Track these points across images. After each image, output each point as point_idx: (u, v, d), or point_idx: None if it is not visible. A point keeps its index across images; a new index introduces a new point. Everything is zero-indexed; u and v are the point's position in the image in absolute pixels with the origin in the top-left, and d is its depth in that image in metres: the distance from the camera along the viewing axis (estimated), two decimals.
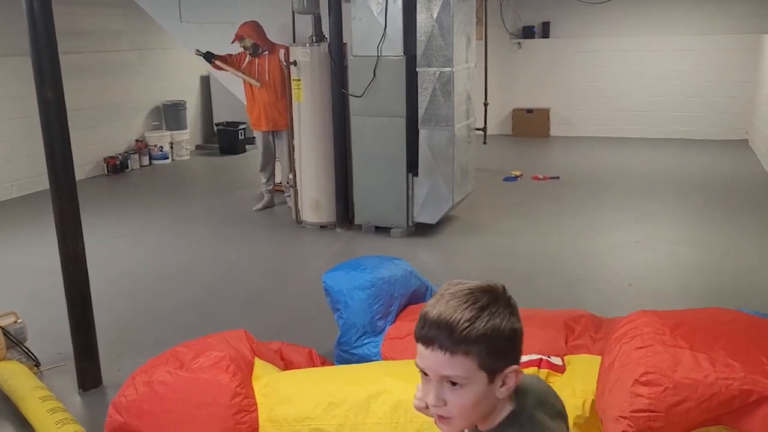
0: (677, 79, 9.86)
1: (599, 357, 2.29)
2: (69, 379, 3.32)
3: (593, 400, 2.09)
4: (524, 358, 2.27)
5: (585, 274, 4.74)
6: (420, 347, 1.14)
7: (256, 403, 2.37)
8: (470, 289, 1.14)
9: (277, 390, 2.40)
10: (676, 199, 6.66)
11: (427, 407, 1.16)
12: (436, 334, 1.11)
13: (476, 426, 1.19)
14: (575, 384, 2.19)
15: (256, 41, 6.19)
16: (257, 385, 2.44)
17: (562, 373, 2.28)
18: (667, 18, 9.78)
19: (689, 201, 6.60)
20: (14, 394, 3.03)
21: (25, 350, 3.44)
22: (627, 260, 5.02)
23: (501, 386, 1.15)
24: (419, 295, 3.29)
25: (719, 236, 5.48)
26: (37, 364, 3.45)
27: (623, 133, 10.15)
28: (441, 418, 1.16)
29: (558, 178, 7.66)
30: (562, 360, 2.35)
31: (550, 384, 2.10)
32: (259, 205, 6.71)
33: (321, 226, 6.04)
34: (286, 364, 2.82)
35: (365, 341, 3.05)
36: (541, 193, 7.11)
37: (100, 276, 3.97)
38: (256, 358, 2.59)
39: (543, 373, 2.24)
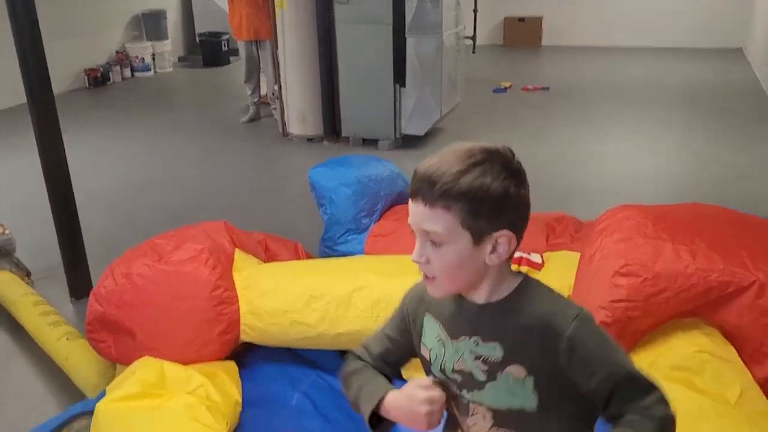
0: None
1: (577, 253, 2.31)
2: (60, 288, 3.36)
3: (569, 295, 2.11)
4: None
5: (572, 183, 4.76)
6: (410, 202, 1.10)
7: (236, 296, 2.37)
8: (467, 149, 1.07)
9: (257, 283, 2.41)
10: (667, 110, 6.62)
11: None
12: (420, 186, 1.06)
13: (481, 298, 1.13)
14: (551, 280, 2.18)
15: None
16: (238, 278, 2.44)
17: (540, 270, 2.31)
18: None
19: (680, 111, 6.56)
20: (6, 300, 3.07)
21: (15, 260, 3.47)
22: (614, 170, 5.04)
23: (491, 252, 1.07)
24: (405, 197, 3.29)
25: (708, 146, 5.48)
26: (28, 274, 3.48)
27: (616, 42, 9.96)
28: (427, 278, 1.11)
29: (548, 89, 7.56)
30: (542, 257, 2.37)
31: None
32: (245, 118, 6.62)
33: (308, 139, 5.98)
34: (270, 256, 2.81)
35: (349, 238, 3.06)
36: (531, 104, 7.04)
37: (85, 188, 3.95)
38: (236, 249, 2.57)
39: (522, 270, 2.27)
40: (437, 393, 1.13)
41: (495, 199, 1.04)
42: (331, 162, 3.35)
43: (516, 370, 1.09)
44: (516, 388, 1.09)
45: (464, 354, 1.13)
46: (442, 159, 1.06)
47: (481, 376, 1.12)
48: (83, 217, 3.38)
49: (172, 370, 2.14)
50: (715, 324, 1.94)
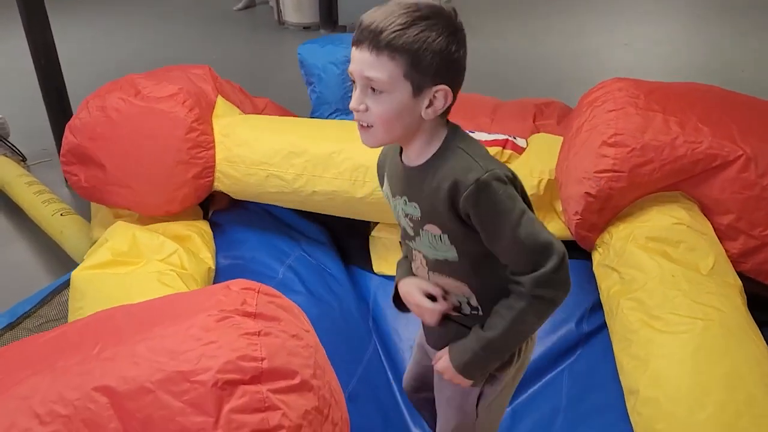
0: None
1: (559, 137, 2.29)
2: (56, 173, 3.40)
3: (549, 180, 2.13)
4: (489, 137, 2.31)
5: (570, 74, 4.70)
6: (352, 49, 1.13)
7: (213, 141, 2.34)
8: (412, 4, 1.09)
9: (237, 132, 2.38)
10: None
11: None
12: (367, 34, 1.09)
13: (407, 161, 1.21)
14: (533, 163, 2.19)
15: None
16: (217, 125, 2.40)
17: (521, 153, 2.31)
18: None
19: (691, 1, 6.35)
20: (3, 182, 3.14)
21: (9, 145, 3.50)
22: (615, 61, 4.96)
23: (427, 106, 1.12)
24: None
25: (711, 35, 5.37)
26: (24, 159, 3.52)
27: None
28: (362, 128, 1.16)
29: None
30: (527, 143, 2.38)
31: (510, 164, 2.18)
32: (240, 5, 6.45)
33: (304, 27, 5.86)
34: (256, 109, 2.78)
35: (337, 118, 3.01)
36: None
37: (76, 73, 3.92)
38: (219, 97, 2.53)
39: (506, 153, 2.26)
40: (439, 306, 1.26)
41: (438, 53, 1.08)
42: (323, 39, 3.29)
43: (432, 228, 1.19)
44: (436, 243, 1.20)
45: (398, 210, 1.26)
46: (387, 10, 1.08)
47: (410, 231, 1.25)
48: (75, 102, 3.38)
49: (144, 237, 2.15)
50: (694, 198, 1.95)
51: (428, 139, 1.17)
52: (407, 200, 1.22)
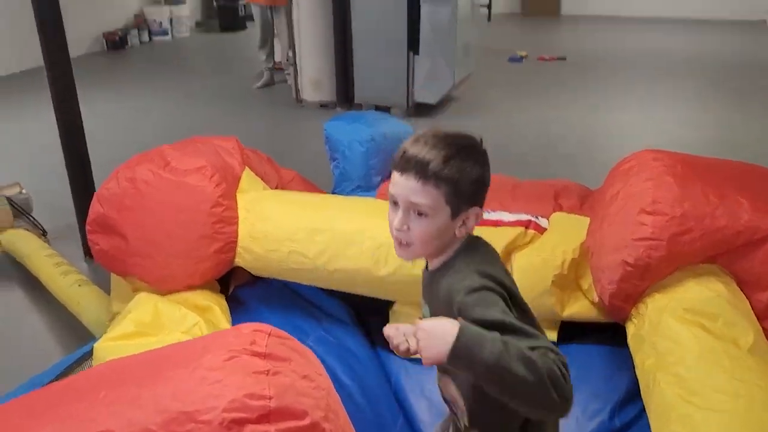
0: None
1: (584, 218, 2.27)
2: (75, 247, 3.46)
3: (573, 259, 2.10)
4: (512, 217, 2.30)
5: (585, 153, 4.76)
6: (395, 175, 1.26)
7: (237, 216, 2.35)
8: (447, 134, 1.26)
9: (261, 207, 2.38)
10: (686, 81, 6.55)
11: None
12: (413, 164, 1.22)
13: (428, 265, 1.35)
14: (555, 243, 2.16)
15: None
16: (242, 200, 2.41)
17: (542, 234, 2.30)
18: None
19: (700, 82, 6.48)
20: (21, 254, 3.18)
21: (32, 219, 3.57)
22: (630, 141, 5.01)
23: (461, 225, 1.27)
24: None
25: (728, 118, 5.43)
26: (44, 233, 3.58)
27: (636, 11, 9.80)
28: (401, 245, 1.29)
29: (565, 59, 7.49)
30: (549, 222, 2.35)
31: (532, 244, 2.17)
32: (259, 83, 6.65)
33: (321, 105, 6.01)
34: (282, 180, 2.79)
35: (358, 194, 3.02)
36: (547, 74, 6.99)
37: (101, 150, 4.03)
38: (246, 169, 2.54)
39: (529, 234, 2.24)
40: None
41: (475, 181, 1.25)
42: (348, 116, 3.36)
43: None
44: None
45: (424, 312, 1.39)
46: (430, 142, 1.24)
47: None
48: (98, 178, 3.46)
49: (166, 308, 2.14)
50: (731, 273, 1.89)
51: (452, 246, 1.31)
52: (425, 303, 1.37)
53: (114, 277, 2.65)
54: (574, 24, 9.67)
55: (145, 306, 2.16)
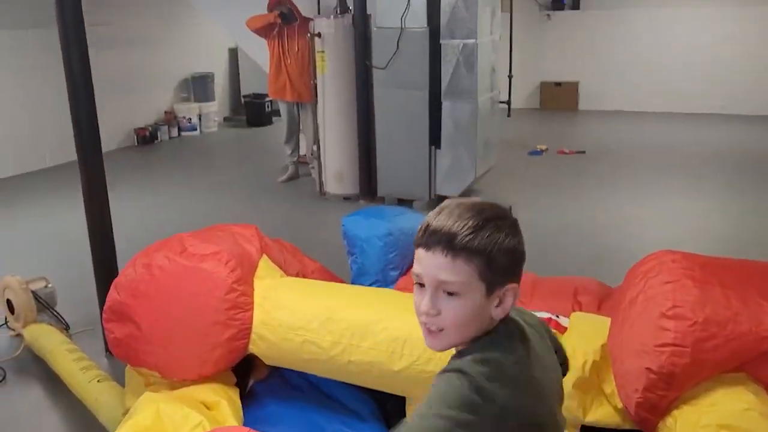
0: (711, 52, 9.62)
1: (604, 318, 2.23)
2: (97, 343, 3.44)
3: (594, 361, 2.05)
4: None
5: (606, 247, 4.72)
6: (420, 252, 1.12)
7: (252, 303, 2.32)
8: (474, 203, 1.13)
9: (277, 294, 2.36)
10: (705, 176, 6.56)
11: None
12: (439, 238, 1.09)
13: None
14: (576, 344, 2.11)
15: (292, 8, 6.19)
16: (258, 286, 2.39)
17: (563, 333, 2.25)
18: None
19: (719, 177, 6.49)
20: (43, 349, 3.17)
21: (55, 314, 3.58)
22: (651, 234, 4.98)
23: (497, 306, 1.12)
24: None
25: (747, 214, 5.39)
26: (67, 328, 3.58)
27: (654, 107, 9.97)
28: (431, 332, 1.13)
29: (584, 152, 7.58)
30: (569, 321, 2.32)
31: None
32: (284, 177, 6.79)
33: (344, 198, 6.09)
34: (305, 270, 2.78)
35: None
36: (567, 167, 7.06)
37: (128, 243, 4.08)
38: (264, 256, 2.53)
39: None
40: None
41: (509, 252, 1.11)
42: (365, 211, 3.39)
43: None
44: None
45: None
46: (454, 213, 1.10)
47: None
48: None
49: (168, 410, 2.10)
50: (760, 381, 1.82)
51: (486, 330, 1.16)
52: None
53: (128, 371, 2.63)
54: (591, 118, 9.84)
55: (146, 409, 2.12)
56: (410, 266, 3.12)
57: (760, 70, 9.44)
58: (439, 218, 1.11)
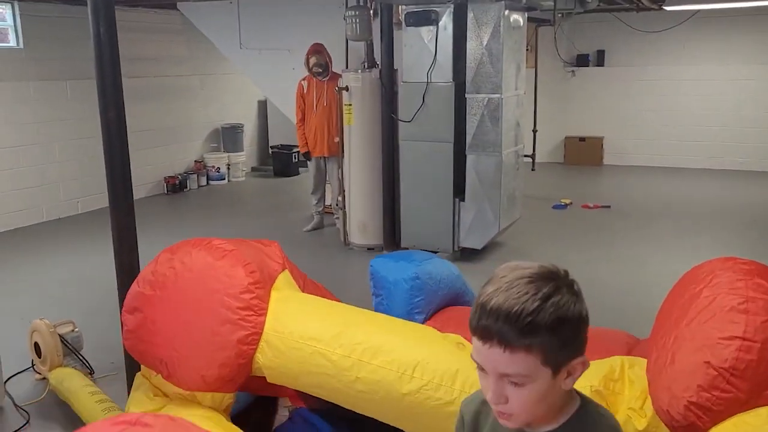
0: (735, 108, 9.63)
1: (641, 359, 2.15)
2: (121, 387, 3.46)
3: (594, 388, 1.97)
4: None
5: (630, 305, 4.66)
6: (476, 341, 1.05)
7: (266, 309, 2.30)
8: (531, 276, 1.04)
9: (291, 304, 2.34)
10: (730, 233, 6.48)
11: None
12: (495, 327, 1.01)
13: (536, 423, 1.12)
14: (630, 391, 2.00)
15: (327, 61, 6.34)
16: (275, 294, 2.37)
17: None
18: (725, 47, 9.60)
19: (744, 236, 6.41)
20: (66, 392, 3.20)
21: (81, 358, 3.62)
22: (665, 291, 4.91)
23: (566, 377, 1.07)
24: (461, 299, 3.30)
25: None
26: (92, 372, 3.61)
27: (679, 163, 9.95)
28: (502, 414, 1.08)
29: (609, 207, 7.56)
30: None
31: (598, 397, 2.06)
32: (309, 227, 6.85)
33: (368, 248, 6.12)
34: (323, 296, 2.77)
35: None
36: (591, 221, 7.03)
37: None
38: (286, 271, 2.53)
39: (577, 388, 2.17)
40: None
41: (573, 326, 1.04)
42: (395, 254, 3.41)
43: None
44: None
45: None
46: (508, 293, 1.02)
47: None
48: None
49: None
50: None
51: (562, 401, 1.12)
52: None
53: (138, 377, 2.61)
54: (616, 173, 9.84)
55: None
56: (435, 311, 3.13)
57: None
58: (494, 298, 1.02)
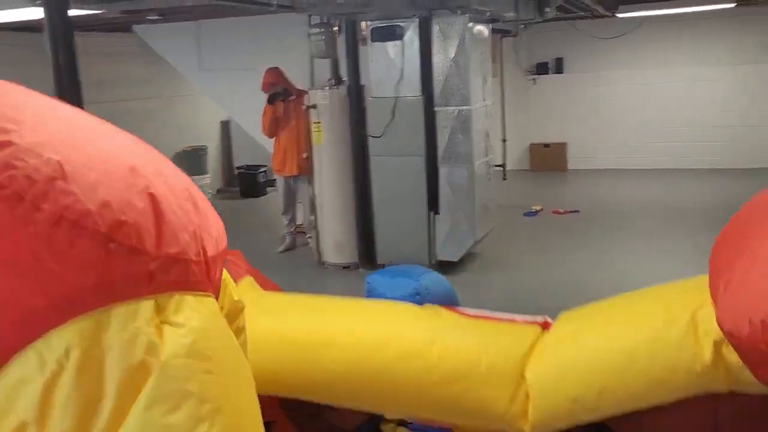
0: (694, 108, 9.88)
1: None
2: None
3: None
4: (527, 317, 2.29)
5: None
6: None
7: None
8: None
9: (255, 306, 2.27)
10: (699, 228, 6.60)
11: None
12: None
13: None
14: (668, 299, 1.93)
15: (285, 86, 6.30)
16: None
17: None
18: (681, 50, 9.86)
19: (714, 232, 6.52)
20: None
21: None
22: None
23: None
24: None
25: None
26: None
27: (642, 164, 10.13)
28: None
29: (578, 212, 7.64)
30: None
31: None
32: (282, 247, 6.75)
33: (344, 267, 6.05)
34: None
35: None
36: (562, 227, 7.09)
37: None
38: (249, 276, 2.47)
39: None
40: None
41: None
42: (390, 270, 3.34)
43: None
44: None
45: None
46: None
47: None
48: None
49: None
50: None
51: None
52: None
53: None
54: (581, 178, 9.97)
55: None
56: None
57: (744, 125, 9.66)
58: None
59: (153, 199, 1.19)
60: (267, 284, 2.82)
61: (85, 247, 1.08)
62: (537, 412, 1.86)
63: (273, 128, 6.38)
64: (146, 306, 1.13)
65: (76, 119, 1.32)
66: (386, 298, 3.04)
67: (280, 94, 6.29)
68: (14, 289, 1.07)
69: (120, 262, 1.11)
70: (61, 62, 3.07)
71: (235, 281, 2.36)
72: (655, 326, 1.81)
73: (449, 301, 3.20)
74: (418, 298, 2.98)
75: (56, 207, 1.07)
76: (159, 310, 1.16)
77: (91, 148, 1.20)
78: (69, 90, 3.08)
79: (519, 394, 1.90)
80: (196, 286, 1.23)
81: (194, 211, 1.29)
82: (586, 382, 1.82)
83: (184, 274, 1.20)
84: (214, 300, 1.30)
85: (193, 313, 1.19)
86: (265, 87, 6.30)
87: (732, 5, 7.57)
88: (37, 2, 3.28)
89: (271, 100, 6.29)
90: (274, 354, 2.16)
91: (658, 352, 1.73)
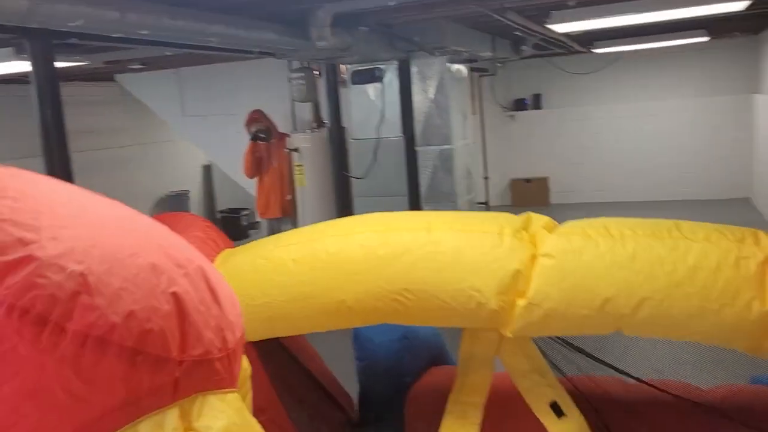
0: (672, 141, 10.04)
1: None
2: None
3: None
4: None
5: (599, 343, 4.67)
6: None
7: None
8: None
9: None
10: None
11: None
12: None
13: None
14: None
15: (268, 126, 6.34)
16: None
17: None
18: (657, 84, 10.06)
19: None
20: None
21: None
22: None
23: None
24: (443, 359, 3.22)
25: None
26: None
27: (623, 197, 10.24)
28: None
29: None
30: None
31: None
32: None
33: None
34: None
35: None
36: None
37: None
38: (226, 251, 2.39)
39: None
40: None
41: None
42: None
43: None
44: None
45: None
46: None
47: None
48: None
49: None
50: None
51: None
52: None
53: None
54: (564, 212, 10.02)
55: None
56: (421, 372, 3.02)
57: (722, 156, 9.83)
58: None
59: (177, 298, 1.13)
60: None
61: (111, 365, 1.01)
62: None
63: (254, 168, 6.40)
64: (172, 415, 1.08)
65: (90, 208, 1.26)
66: (373, 342, 3.00)
67: (263, 131, 6.32)
68: (40, 421, 0.99)
69: (146, 374, 1.05)
70: (48, 115, 3.07)
71: (212, 258, 2.31)
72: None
73: (437, 344, 3.17)
74: (406, 342, 2.95)
75: (81, 326, 1.00)
76: (183, 415, 1.10)
77: (111, 247, 1.13)
78: (56, 143, 3.08)
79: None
80: (219, 384, 1.17)
81: (212, 300, 1.22)
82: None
83: (207, 373, 1.15)
84: (237, 396, 1.24)
85: (217, 413, 1.14)
86: (249, 122, 6.33)
87: (705, 39, 7.76)
88: (24, 56, 3.29)
89: (254, 138, 6.32)
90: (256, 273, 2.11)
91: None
